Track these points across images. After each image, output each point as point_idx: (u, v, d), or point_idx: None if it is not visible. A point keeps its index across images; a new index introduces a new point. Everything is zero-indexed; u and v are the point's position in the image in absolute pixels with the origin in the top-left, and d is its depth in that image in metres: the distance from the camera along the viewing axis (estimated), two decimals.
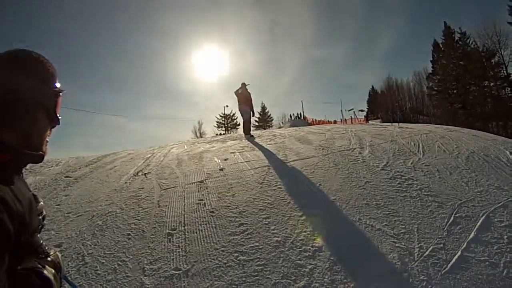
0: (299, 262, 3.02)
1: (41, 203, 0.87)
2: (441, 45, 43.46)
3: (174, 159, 6.59)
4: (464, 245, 3.21)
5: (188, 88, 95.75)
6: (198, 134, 53.46)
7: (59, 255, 0.87)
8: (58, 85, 0.86)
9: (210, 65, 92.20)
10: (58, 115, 0.86)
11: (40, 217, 0.85)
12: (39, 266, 0.76)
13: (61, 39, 79.24)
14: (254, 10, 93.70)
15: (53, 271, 0.79)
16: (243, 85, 9.52)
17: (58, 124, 0.88)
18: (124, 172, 5.99)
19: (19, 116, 0.77)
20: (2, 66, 0.77)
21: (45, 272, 0.75)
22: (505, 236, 3.36)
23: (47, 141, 0.86)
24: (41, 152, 0.83)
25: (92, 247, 3.49)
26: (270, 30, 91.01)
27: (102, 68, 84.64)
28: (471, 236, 3.36)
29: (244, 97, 9.47)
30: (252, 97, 9.58)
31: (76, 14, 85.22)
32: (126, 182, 5.35)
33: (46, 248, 0.83)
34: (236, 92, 9.54)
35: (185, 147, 7.99)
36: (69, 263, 3.22)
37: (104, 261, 3.24)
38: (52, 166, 7.01)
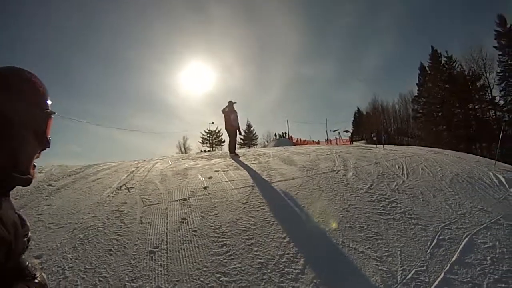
0: (281, 284, 2.97)
1: (27, 225, 0.84)
2: (427, 69, 44.82)
3: (158, 175, 6.50)
4: (447, 267, 3.24)
5: (173, 102, 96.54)
6: (182, 149, 53.20)
7: (45, 276, 0.85)
8: (49, 103, 0.83)
9: (197, 80, 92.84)
10: (48, 138, 0.83)
11: (25, 239, 0.82)
12: None
13: (49, 47, 79.21)
14: (242, 27, 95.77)
15: None
16: (230, 103, 9.59)
17: (49, 147, 0.84)
18: (107, 185, 5.88)
19: (7, 138, 0.74)
20: None
21: None
22: (488, 257, 3.41)
23: (34, 165, 0.83)
24: (29, 176, 0.80)
25: (73, 261, 3.39)
26: (258, 47, 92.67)
27: (88, 77, 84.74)
28: (454, 258, 3.39)
29: (230, 115, 9.51)
30: (238, 116, 9.63)
31: (65, 24, 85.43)
32: (109, 196, 5.25)
33: (33, 269, 0.81)
34: (223, 110, 9.60)
35: (170, 163, 7.92)
36: (49, 275, 3.11)
37: (84, 276, 3.15)
38: None
